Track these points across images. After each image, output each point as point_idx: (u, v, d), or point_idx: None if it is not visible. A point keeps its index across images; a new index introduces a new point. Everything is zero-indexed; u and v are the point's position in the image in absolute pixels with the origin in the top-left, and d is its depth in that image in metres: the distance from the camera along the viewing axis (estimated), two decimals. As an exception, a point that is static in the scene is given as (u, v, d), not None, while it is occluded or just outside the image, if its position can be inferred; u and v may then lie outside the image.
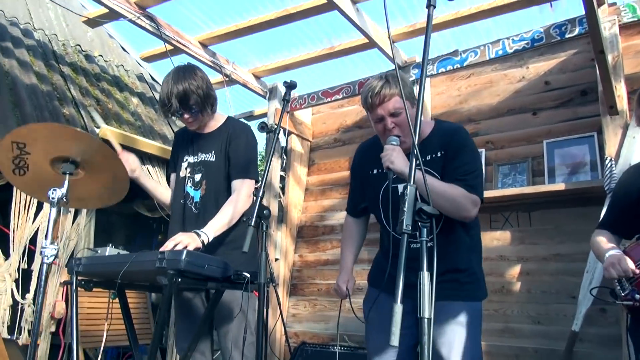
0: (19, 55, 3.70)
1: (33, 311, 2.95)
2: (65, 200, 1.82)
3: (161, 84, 2.27)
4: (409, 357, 1.98)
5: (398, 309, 1.12)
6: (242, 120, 2.61)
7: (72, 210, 3.16)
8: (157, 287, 1.88)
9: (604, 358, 3.11)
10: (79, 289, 2.04)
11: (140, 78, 4.98)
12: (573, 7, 3.46)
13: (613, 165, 3.12)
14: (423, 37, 1.38)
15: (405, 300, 1.32)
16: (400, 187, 1.96)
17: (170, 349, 3.80)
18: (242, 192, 2.21)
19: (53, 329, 3.18)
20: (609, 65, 3.06)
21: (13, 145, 1.83)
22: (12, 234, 2.89)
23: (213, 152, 2.35)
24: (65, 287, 3.11)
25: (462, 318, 1.91)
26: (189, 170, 2.40)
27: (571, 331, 3.09)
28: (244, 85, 4.66)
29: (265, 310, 1.70)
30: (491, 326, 3.55)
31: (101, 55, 4.68)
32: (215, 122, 2.42)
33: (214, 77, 4.63)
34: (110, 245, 2.03)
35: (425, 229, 1.11)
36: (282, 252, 4.66)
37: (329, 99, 4.58)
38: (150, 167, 3.91)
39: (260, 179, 2.25)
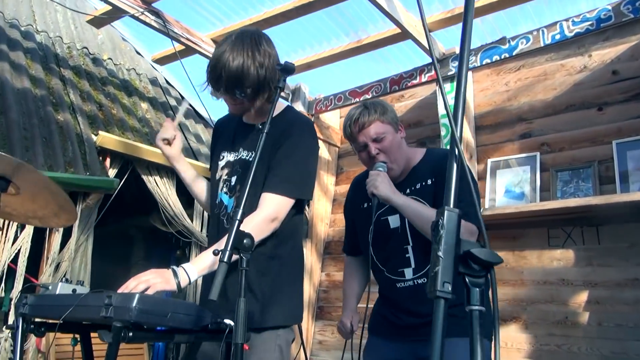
0: (13, 58, 3.40)
1: (11, 345, 2.57)
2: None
3: (214, 51, 1.65)
4: None
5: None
6: (301, 115, 1.89)
7: (60, 229, 2.79)
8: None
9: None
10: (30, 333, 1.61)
11: (154, 82, 4.63)
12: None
13: None
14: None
15: (404, 341, 1.60)
16: (391, 219, 1.88)
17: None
18: (263, 212, 1.60)
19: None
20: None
21: None
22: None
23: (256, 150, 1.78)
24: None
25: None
26: (225, 171, 1.83)
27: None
28: (264, 87, 4.21)
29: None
30: (553, 365, 2.95)
31: (110, 59, 4.36)
32: (267, 111, 1.63)
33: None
34: (63, 279, 1.60)
35: (476, 292, 0.60)
36: (307, 271, 4.17)
37: (357, 99, 4.10)
38: (157, 177, 3.51)
39: (300, 194, 1.70)
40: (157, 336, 1.34)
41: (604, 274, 2.96)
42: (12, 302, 2.72)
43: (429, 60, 3.72)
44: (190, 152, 3.97)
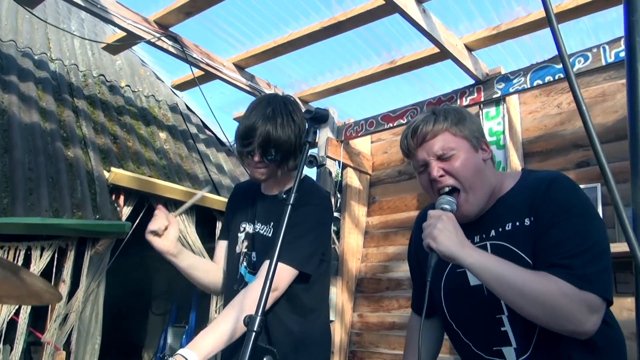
0: (23, 89, 3.19)
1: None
2: None
3: (246, 110, 1.59)
4: None
5: None
6: (318, 186, 1.73)
7: (67, 278, 2.52)
8: None
9: None
10: None
11: (174, 109, 4.40)
12: None
13: None
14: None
15: None
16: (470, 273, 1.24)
17: None
18: (260, 280, 1.39)
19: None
20: None
21: None
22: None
23: (272, 224, 1.62)
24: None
25: None
26: (245, 244, 1.67)
27: None
28: (290, 113, 3.93)
29: None
30: None
31: (129, 86, 4.15)
32: (289, 182, 1.67)
33: (254, 105, 3.97)
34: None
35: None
36: (337, 312, 3.84)
37: (390, 124, 3.77)
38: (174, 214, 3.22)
39: (303, 267, 1.50)
40: None
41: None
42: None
43: (470, 81, 3.37)
44: (211, 185, 3.70)
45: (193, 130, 4.23)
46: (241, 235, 1.68)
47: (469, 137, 1.31)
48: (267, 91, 3.82)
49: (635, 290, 0.75)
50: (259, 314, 0.92)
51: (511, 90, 3.19)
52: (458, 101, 3.42)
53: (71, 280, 2.70)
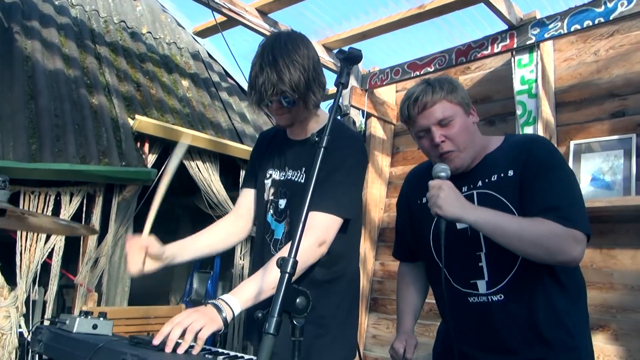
0: (45, 35, 3.16)
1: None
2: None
3: (253, 58, 1.53)
4: None
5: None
6: (348, 127, 1.74)
7: (96, 223, 2.57)
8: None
9: None
10: None
11: (195, 56, 4.34)
12: None
13: None
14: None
15: None
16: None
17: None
18: (311, 236, 1.40)
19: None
20: None
21: None
22: (18, 257, 2.34)
23: (303, 169, 1.59)
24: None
25: None
26: (272, 191, 1.65)
27: None
28: (313, 60, 3.83)
29: None
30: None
31: (150, 32, 4.08)
32: (315, 124, 1.63)
33: (277, 52, 3.88)
34: (82, 314, 1.34)
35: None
36: (360, 259, 3.86)
37: (417, 73, 3.66)
38: (200, 162, 3.25)
39: (348, 214, 1.51)
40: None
41: None
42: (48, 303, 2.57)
43: (502, 27, 3.22)
44: (234, 134, 3.69)
45: (215, 78, 4.17)
46: (267, 182, 1.67)
47: (462, 104, 1.52)
48: (291, 38, 3.72)
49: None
50: (292, 255, 0.91)
51: (546, 36, 3.03)
52: (489, 48, 3.28)
53: (100, 226, 2.75)
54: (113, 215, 2.69)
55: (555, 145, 3.15)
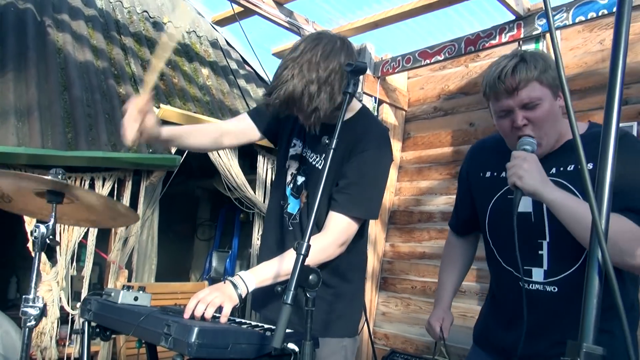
0: (75, 28, 3.35)
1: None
2: (51, 237, 1.35)
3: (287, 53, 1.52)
4: None
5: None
6: (377, 121, 1.72)
7: (126, 201, 2.79)
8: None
9: None
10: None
11: (214, 45, 4.49)
12: None
13: None
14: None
15: None
16: (523, 199, 1.35)
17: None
18: (333, 236, 1.51)
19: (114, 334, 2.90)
20: None
21: None
22: (58, 237, 2.57)
23: (322, 155, 1.64)
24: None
25: None
26: (295, 165, 1.70)
27: None
28: (327, 49, 3.97)
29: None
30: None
31: (171, 22, 4.25)
32: (331, 115, 1.56)
33: (292, 40, 4.03)
34: (125, 288, 1.55)
35: None
36: (370, 241, 4.06)
37: (428, 61, 3.78)
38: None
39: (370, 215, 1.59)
40: (218, 366, 1.26)
41: None
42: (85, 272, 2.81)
43: (510, 17, 3.32)
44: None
45: (233, 66, 4.33)
46: (291, 151, 1.70)
47: (552, 86, 1.36)
48: (305, 27, 3.85)
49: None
50: (306, 240, 1.10)
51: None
52: (497, 37, 3.39)
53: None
54: (141, 198, 2.90)
55: (575, 125, 3.30)
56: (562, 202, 1.26)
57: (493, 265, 1.57)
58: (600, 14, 2.92)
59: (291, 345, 1.28)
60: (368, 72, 4.07)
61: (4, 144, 2.33)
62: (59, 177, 1.33)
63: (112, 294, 1.57)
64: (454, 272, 1.77)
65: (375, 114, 4.29)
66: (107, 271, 2.95)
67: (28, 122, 2.56)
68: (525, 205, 1.42)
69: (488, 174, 1.58)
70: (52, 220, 1.36)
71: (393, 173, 4.27)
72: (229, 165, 3.55)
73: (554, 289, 1.40)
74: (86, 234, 2.71)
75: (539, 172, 1.30)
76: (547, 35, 3.24)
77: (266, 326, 1.40)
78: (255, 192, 3.77)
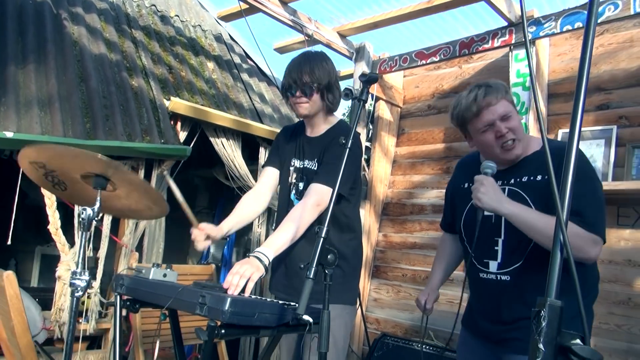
0: (89, 21, 3.48)
1: (100, 300, 2.84)
2: (97, 219, 1.53)
3: (290, 63, 2.06)
4: None
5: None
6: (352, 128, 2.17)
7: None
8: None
9: None
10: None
11: (218, 39, 4.64)
12: None
13: None
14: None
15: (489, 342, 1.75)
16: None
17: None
18: (311, 199, 1.88)
19: (125, 312, 3.09)
20: None
21: (34, 165, 1.58)
22: (76, 219, 2.75)
23: (315, 160, 2.07)
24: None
25: None
26: (295, 176, 2.13)
27: None
28: (328, 46, 4.17)
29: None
30: (610, 344, 2.96)
31: (177, 16, 4.38)
32: (326, 125, 2.11)
33: (296, 38, 4.20)
34: (155, 265, 1.74)
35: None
36: (364, 232, 4.27)
37: (423, 61, 3.98)
38: (224, 140, 3.63)
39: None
40: (245, 332, 1.46)
41: (676, 259, 2.88)
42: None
43: (503, 23, 3.53)
44: (255, 114, 4.03)
45: (237, 60, 4.49)
46: (291, 169, 2.13)
47: (514, 104, 1.77)
48: (308, 25, 4.03)
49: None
50: (326, 225, 1.30)
51: (541, 34, 3.35)
52: (490, 42, 3.59)
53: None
54: (153, 185, 3.08)
55: (545, 133, 3.53)
56: (514, 213, 1.58)
57: (467, 260, 1.88)
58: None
59: (306, 317, 1.48)
60: (366, 70, 4.26)
61: (29, 132, 2.49)
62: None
63: (144, 271, 1.76)
64: (443, 263, 2.11)
65: (372, 110, 4.49)
66: (117, 254, 3.12)
67: (50, 112, 2.72)
68: (487, 210, 1.71)
69: (466, 185, 1.92)
70: (98, 204, 1.54)
71: (387, 167, 4.47)
72: (233, 156, 3.73)
73: (507, 278, 1.71)
74: (101, 219, 2.89)
75: (494, 192, 1.61)
76: (538, 41, 3.45)
77: (292, 303, 1.61)
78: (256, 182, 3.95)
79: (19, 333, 1.67)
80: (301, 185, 2.08)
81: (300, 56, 2.04)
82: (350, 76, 4.62)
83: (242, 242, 5.53)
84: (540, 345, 0.67)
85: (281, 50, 4.44)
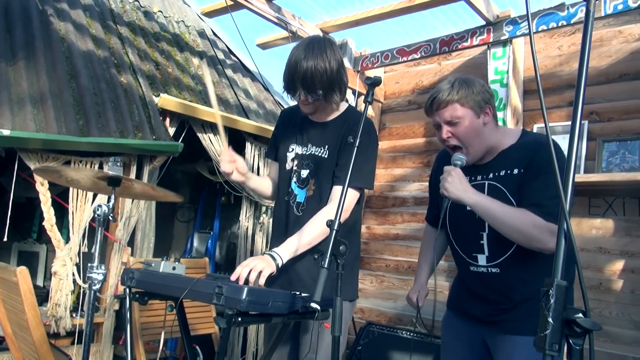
0: (74, 17, 3.47)
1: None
2: (111, 217, 1.60)
3: (288, 56, 1.89)
4: None
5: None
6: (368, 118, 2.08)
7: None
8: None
9: None
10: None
11: (202, 34, 4.66)
12: None
13: None
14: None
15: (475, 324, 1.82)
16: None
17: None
18: (334, 203, 1.83)
19: (117, 307, 3.13)
20: None
21: (48, 174, 1.62)
22: (71, 217, 2.77)
23: (327, 147, 1.99)
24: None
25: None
26: (295, 162, 2.06)
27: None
28: (311, 43, 4.23)
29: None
30: (583, 326, 3.16)
31: (161, 11, 4.38)
32: (334, 112, 2.04)
33: (279, 34, 4.26)
34: (165, 258, 1.81)
35: (577, 351, 0.75)
36: (348, 223, 4.38)
37: (405, 58, 4.11)
38: (211, 135, 3.69)
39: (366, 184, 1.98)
40: (259, 320, 1.56)
41: (642, 246, 3.09)
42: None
43: (481, 22, 3.67)
44: (240, 109, 4.09)
45: (220, 56, 4.52)
46: (290, 155, 2.07)
47: (474, 107, 1.74)
48: (292, 22, 4.10)
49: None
50: (338, 218, 1.40)
51: (518, 33, 3.51)
52: (469, 40, 3.74)
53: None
54: (144, 181, 3.12)
55: (521, 127, 3.70)
56: (477, 204, 1.66)
57: (453, 251, 1.96)
58: (560, 24, 3.30)
59: (314, 305, 1.58)
60: (348, 65, 4.36)
61: (24, 129, 2.50)
62: (117, 164, 1.57)
63: (153, 265, 1.83)
64: (429, 257, 2.16)
65: (354, 105, 4.60)
66: (109, 249, 3.16)
67: (42, 109, 2.72)
68: None
69: None
70: (112, 201, 1.60)
71: (369, 161, 4.60)
72: (220, 151, 3.79)
73: (497, 270, 1.78)
74: (94, 218, 2.92)
75: (460, 182, 1.67)
76: (514, 40, 3.62)
77: (304, 294, 1.69)
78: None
79: (33, 327, 1.72)
80: (304, 172, 2.01)
81: (301, 52, 1.84)
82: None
83: (225, 236, 5.59)
84: (550, 320, 0.79)
85: (263, 46, 4.49)
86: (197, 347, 2.14)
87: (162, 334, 2.03)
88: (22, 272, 1.73)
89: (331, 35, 4.40)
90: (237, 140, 4.10)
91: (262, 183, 2.20)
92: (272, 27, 4.18)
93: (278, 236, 2.04)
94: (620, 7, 3.06)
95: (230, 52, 4.77)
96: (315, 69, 1.81)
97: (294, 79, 1.85)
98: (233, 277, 1.63)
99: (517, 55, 3.72)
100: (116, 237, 3.05)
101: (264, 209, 4.11)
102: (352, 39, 4.42)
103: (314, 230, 1.82)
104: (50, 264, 2.82)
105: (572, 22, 3.26)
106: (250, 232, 4.13)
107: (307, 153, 2.03)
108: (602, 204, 3.30)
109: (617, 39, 3.44)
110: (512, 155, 1.77)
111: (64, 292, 2.70)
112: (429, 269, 2.14)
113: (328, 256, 1.35)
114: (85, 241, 2.79)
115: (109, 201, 1.65)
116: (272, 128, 2.33)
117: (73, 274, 2.78)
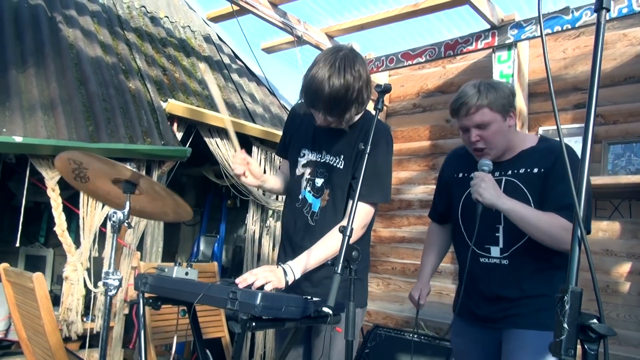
0: (83, 23, 3.50)
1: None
2: (126, 223, 1.62)
3: (312, 65, 1.69)
4: None
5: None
6: (382, 122, 1.94)
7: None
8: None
9: None
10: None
11: (207, 39, 4.69)
12: None
13: None
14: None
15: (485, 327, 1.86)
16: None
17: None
18: (357, 221, 1.67)
19: (126, 311, 3.16)
20: None
21: (70, 161, 1.66)
22: (82, 222, 2.80)
23: (342, 157, 1.87)
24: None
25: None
26: (308, 170, 1.95)
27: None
28: (316, 47, 4.27)
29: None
30: (590, 328, 3.17)
31: (167, 17, 4.42)
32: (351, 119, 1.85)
33: (283, 38, 4.29)
34: (177, 263, 1.84)
35: (592, 355, 0.77)
36: (354, 226, 4.40)
37: (409, 62, 4.14)
38: (218, 140, 3.71)
39: (384, 199, 1.91)
40: (273, 324, 1.58)
41: (649, 248, 3.10)
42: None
43: (486, 26, 3.69)
44: (247, 114, 4.12)
45: (226, 60, 4.55)
46: (302, 160, 1.96)
47: (501, 111, 1.79)
48: (298, 27, 4.13)
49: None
50: (350, 224, 1.42)
51: (523, 37, 3.53)
52: (474, 44, 3.76)
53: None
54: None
55: (527, 131, 3.72)
56: (511, 209, 1.70)
57: (462, 244, 1.96)
58: (564, 28, 3.32)
59: (325, 309, 1.60)
60: (354, 70, 4.38)
61: (35, 136, 2.53)
62: (134, 168, 1.60)
63: (166, 270, 1.85)
64: (432, 254, 2.19)
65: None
66: (119, 254, 3.18)
67: (53, 115, 2.75)
68: None
69: (460, 175, 2.02)
70: (127, 207, 1.63)
71: (375, 164, 4.61)
72: (227, 156, 3.81)
73: (506, 261, 1.82)
74: (104, 223, 2.95)
75: (494, 188, 1.72)
76: (518, 43, 3.63)
77: (315, 299, 1.70)
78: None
79: (49, 332, 1.74)
80: (319, 181, 1.92)
81: (325, 71, 1.64)
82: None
83: (231, 240, 5.62)
84: (565, 325, 0.81)
85: (269, 50, 4.52)
86: (208, 351, 2.16)
87: (175, 338, 2.04)
88: (39, 277, 1.76)
89: (336, 39, 4.42)
90: (243, 144, 4.12)
91: (277, 181, 2.13)
92: (277, 31, 4.22)
93: (289, 243, 2.00)
94: (625, 10, 3.08)
95: (236, 56, 4.80)
96: (339, 94, 1.65)
97: (314, 100, 1.69)
98: (238, 280, 1.63)
99: (522, 58, 3.74)
100: (126, 241, 3.08)
101: (270, 212, 4.13)
102: (357, 43, 4.44)
103: (330, 248, 1.76)
104: (57, 268, 2.85)
105: (576, 25, 3.27)
106: (257, 235, 4.15)
107: (321, 161, 1.92)
108: (608, 207, 3.31)
109: (621, 42, 3.46)
110: (533, 156, 1.82)
111: (75, 296, 2.73)
112: (432, 267, 2.17)
113: (341, 262, 1.37)
114: (96, 246, 2.81)
115: (123, 207, 1.66)
116: (279, 132, 2.30)
117: (84, 279, 2.80)
